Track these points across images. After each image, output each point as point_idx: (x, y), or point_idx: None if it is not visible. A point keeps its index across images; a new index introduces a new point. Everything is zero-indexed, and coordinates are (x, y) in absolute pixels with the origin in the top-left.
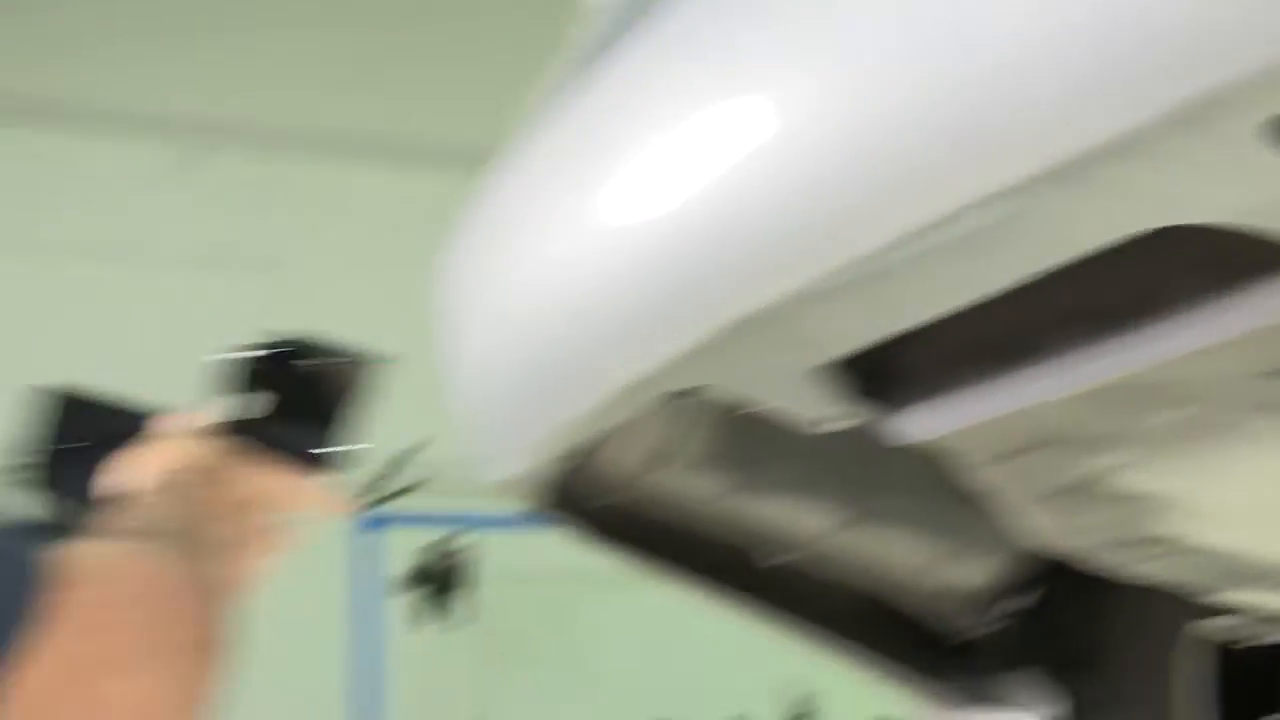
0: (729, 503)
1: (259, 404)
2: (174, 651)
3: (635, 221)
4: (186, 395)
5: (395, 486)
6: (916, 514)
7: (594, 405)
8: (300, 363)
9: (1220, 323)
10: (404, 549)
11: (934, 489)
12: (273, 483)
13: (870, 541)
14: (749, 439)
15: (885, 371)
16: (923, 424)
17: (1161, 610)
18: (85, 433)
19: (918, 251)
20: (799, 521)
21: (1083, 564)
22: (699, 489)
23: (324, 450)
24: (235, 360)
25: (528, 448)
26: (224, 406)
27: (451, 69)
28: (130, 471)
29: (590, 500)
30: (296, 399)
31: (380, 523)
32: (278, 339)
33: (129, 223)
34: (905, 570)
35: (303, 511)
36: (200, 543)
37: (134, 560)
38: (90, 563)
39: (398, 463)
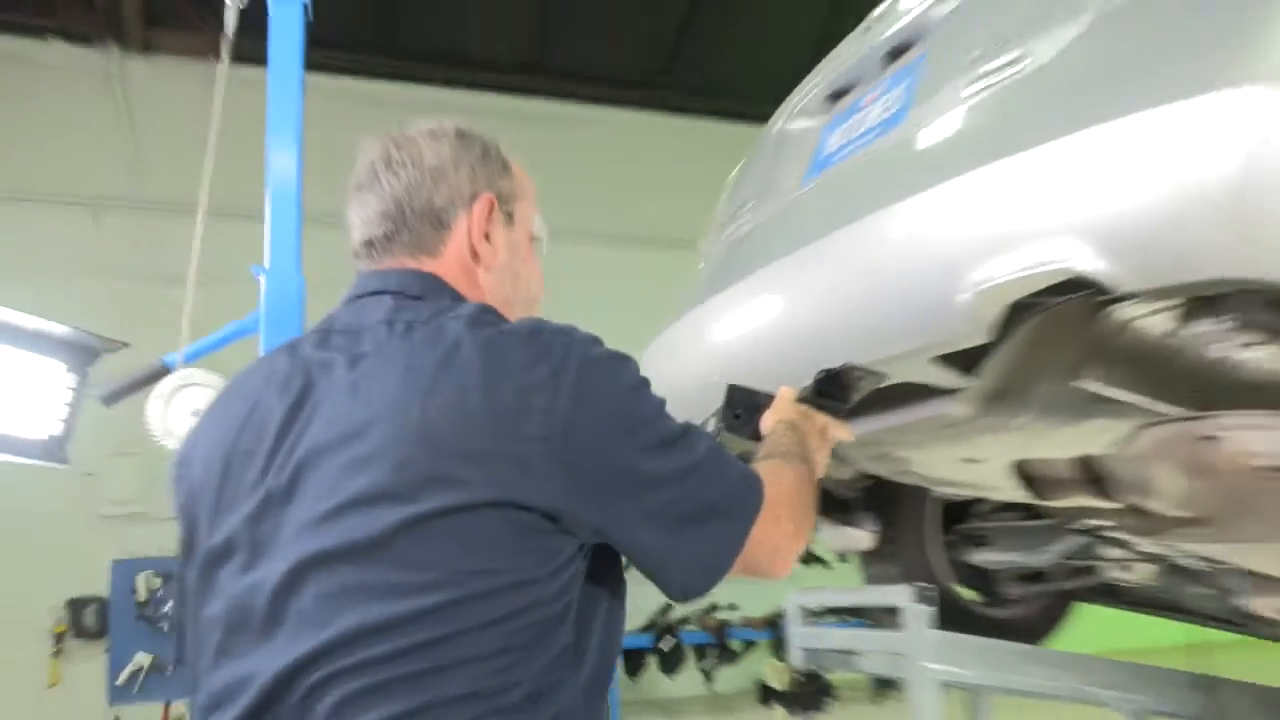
0: None
1: (825, 390)
2: (805, 498)
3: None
4: None
5: None
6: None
7: None
8: (843, 372)
9: (919, 412)
10: None
11: None
12: (823, 421)
13: None
14: None
15: None
16: None
17: (915, 489)
18: (745, 403)
19: None
20: None
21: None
22: None
23: (843, 410)
24: (824, 372)
25: None
26: (808, 391)
27: None
28: (771, 419)
29: None
30: (839, 388)
31: None
32: (839, 365)
33: None
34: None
35: (830, 437)
36: (806, 448)
37: (787, 467)
38: (770, 469)
39: None
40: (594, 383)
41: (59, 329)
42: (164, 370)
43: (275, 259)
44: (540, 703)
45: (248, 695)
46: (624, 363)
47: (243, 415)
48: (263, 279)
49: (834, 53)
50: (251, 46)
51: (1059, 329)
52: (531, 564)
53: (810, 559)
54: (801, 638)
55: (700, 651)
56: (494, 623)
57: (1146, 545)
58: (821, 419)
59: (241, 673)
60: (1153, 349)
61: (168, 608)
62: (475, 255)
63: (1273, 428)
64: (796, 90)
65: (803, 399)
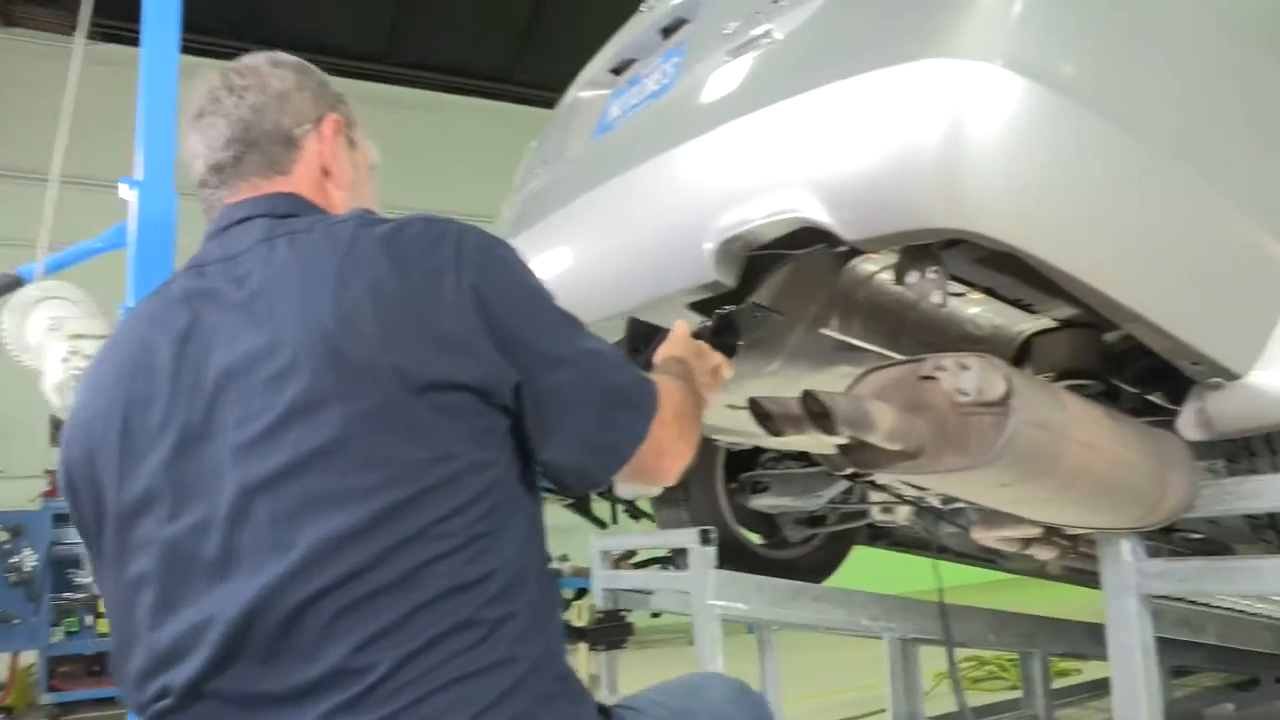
0: None
1: (723, 328)
2: (691, 412)
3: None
4: None
5: None
6: None
7: None
8: (744, 311)
9: None
10: None
11: None
12: (718, 360)
13: None
14: None
15: None
16: None
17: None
18: (644, 334)
19: None
20: None
21: None
22: None
23: (730, 348)
24: (717, 315)
25: None
26: (707, 329)
27: None
28: (664, 352)
29: None
30: (736, 326)
31: None
32: (728, 308)
33: None
34: None
35: (721, 375)
36: (696, 379)
37: (674, 381)
38: (661, 381)
39: None
40: (493, 259)
41: None
42: (18, 281)
43: (149, 171)
44: (518, 589)
45: (211, 639)
46: (510, 247)
47: (130, 364)
48: (135, 193)
49: (620, 30)
50: (112, 27)
51: (805, 282)
52: (478, 446)
53: (636, 514)
54: (602, 579)
55: None
56: (457, 511)
57: (901, 489)
58: (716, 358)
59: (196, 619)
60: (889, 303)
61: (16, 559)
62: (327, 172)
63: (978, 369)
64: (589, 64)
65: (698, 335)
